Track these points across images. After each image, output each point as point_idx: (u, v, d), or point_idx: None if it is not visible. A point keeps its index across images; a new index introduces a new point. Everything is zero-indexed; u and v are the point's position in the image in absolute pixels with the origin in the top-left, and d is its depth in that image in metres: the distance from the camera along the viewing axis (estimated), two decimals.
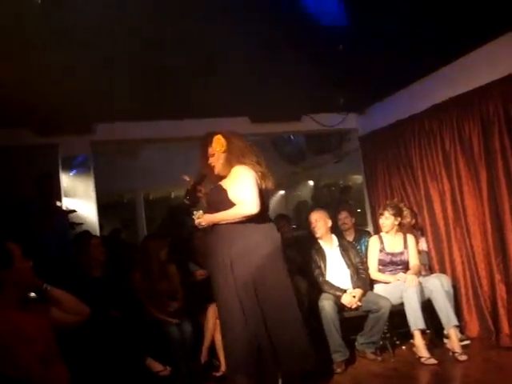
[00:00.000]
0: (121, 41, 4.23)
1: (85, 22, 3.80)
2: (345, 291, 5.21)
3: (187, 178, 4.39)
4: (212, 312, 5.17)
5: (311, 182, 12.52)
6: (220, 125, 6.84)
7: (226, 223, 3.94)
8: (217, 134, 4.15)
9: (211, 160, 4.14)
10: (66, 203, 6.63)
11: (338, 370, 4.91)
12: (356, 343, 5.33)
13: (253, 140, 8.89)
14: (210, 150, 4.14)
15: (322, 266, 5.41)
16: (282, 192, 12.22)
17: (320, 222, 5.52)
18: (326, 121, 7.13)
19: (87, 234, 5.72)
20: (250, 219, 3.89)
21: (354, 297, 5.18)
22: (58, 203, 6.61)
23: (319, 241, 5.53)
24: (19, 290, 2.74)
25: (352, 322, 5.30)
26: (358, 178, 10.36)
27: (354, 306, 5.17)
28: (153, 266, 5.35)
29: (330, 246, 5.54)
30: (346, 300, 5.17)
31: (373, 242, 5.75)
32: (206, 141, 4.18)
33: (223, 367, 4.98)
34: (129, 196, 11.46)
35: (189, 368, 4.94)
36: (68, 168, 6.73)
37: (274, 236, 4.09)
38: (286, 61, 5.02)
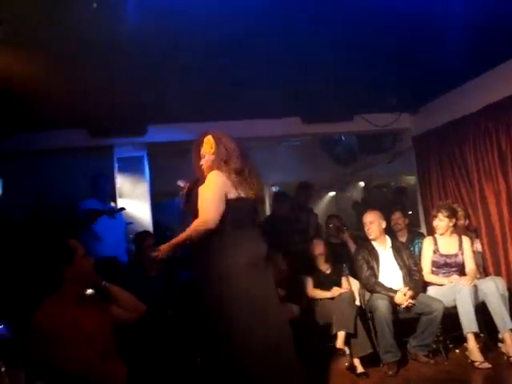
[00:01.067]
0: (173, 43, 4.30)
1: (137, 24, 3.88)
2: (397, 292, 5.17)
3: (181, 184, 4.34)
4: None
5: (362, 183, 12.41)
6: (271, 125, 6.91)
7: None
8: (208, 134, 3.99)
9: (202, 161, 3.96)
10: (121, 204, 6.76)
11: (390, 372, 4.88)
12: (408, 346, 5.29)
13: (302, 141, 9.08)
14: (202, 152, 3.98)
15: (375, 266, 5.38)
16: (332, 193, 12.15)
17: (374, 223, 5.49)
18: (379, 121, 7.06)
19: (145, 233, 5.77)
20: (222, 230, 3.66)
21: (405, 295, 5.13)
22: (113, 204, 6.76)
23: (373, 242, 5.49)
24: (79, 286, 2.83)
25: (404, 324, 5.26)
26: (411, 179, 10.21)
27: (404, 305, 5.12)
28: None
29: (384, 247, 5.49)
30: (399, 299, 5.12)
31: (427, 244, 5.67)
32: (198, 142, 4.03)
33: None
34: None
35: None
36: (123, 169, 6.87)
37: (252, 247, 3.77)
38: (338, 60, 5.00)
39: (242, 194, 3.75)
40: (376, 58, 5.02)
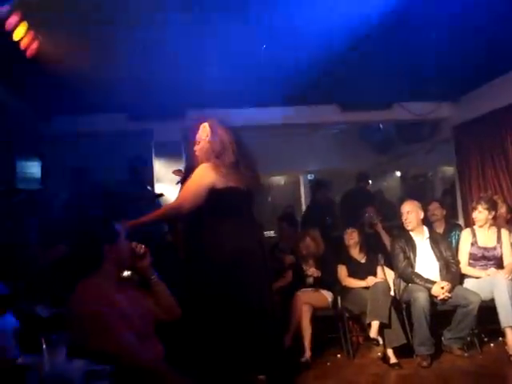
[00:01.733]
0: (211, 32, 4.31)
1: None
2: (434, 283, 5.12)
3: (176, 174, 4.22)
4: (298, 298, 5.25)
5: (398, 173, 12.27)
6: (309, 112, 6.88)
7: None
8: (204, 120, 3.94)
9: (196, 148, 3.91)
10: (158, 189, 6.81)
11: (424, 364, 4.84)
12: (443, 338, 5.23)
13: (339, 129, 9.02)
14: (197, 137, 3.91)
15: (412, 257, 5.33)
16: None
17: (412, 213, 5.43)
18: (418, 109, 6.97)
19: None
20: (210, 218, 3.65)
21: (443, 288, 5.07)
22: (150, 188, 6.81)
23: (410, 232, 5.44)
24: (118, 267, 2.88)
25: (439, 316, 5.20)
26: (448, 170, 10.05)
27: (441, 297, 5.07)
28: None
29: (421, 238, 5.43)
30: (436, 291, 5.07)
31: (465, 235, 5.59)
32: (194, 127, 3.97)
33: (307, 353, 5.05)
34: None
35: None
36: (160, 154, 6.91)
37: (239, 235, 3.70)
38: (377, 47, 4.94)
39: (232, 184, 3.68)
40: (417, 45, 4.94)
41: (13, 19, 3.98)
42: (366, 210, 6.65)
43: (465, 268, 5.46)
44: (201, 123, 3.92)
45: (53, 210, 5.42)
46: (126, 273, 3.21)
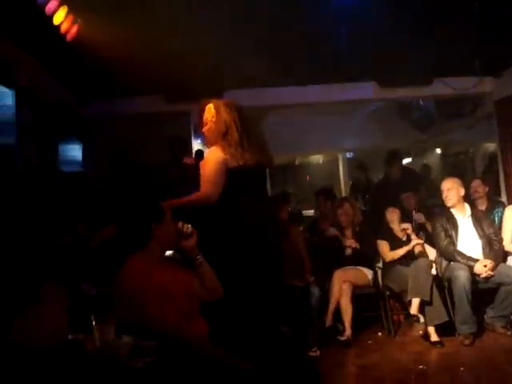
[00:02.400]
0: (250, 7, 4.29)
1: None
2: (477, 261, 5.05)
3: (188, 161, 4.14)
4: (338, 277, 5.26)
5: (439, 150, 12.08)
6: (346, 90, 6.81)
7: None
8: (209, 102, 3.87)
9: (204, 129, 3.89)
10: None
11: (466, 342, 4.81)
12: (485, 316, 5.18)
13: (378, 106, 8.90)
14: (204, 119, 3.88)
15: (453, 235, 5.26)
16: (407, 160, 11.91)
17: (452, 190, 5.35)
18: (459, 84, 6.80)
19: None
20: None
21: (485, 266, 5.01)
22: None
23: (451, 209, 5.36)
24: (164, 246, 2.94)
25: (482, 294, 5.15)
26: (490, 146, 9.85)
27: (484, 275, 5.00)
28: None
29: (463, 215, 5.36)
30: (479, 269, 5.01)
31: (508, 213, 5.48)
32: (200, 109, 3.92)
33: (348, 331, 5.06)
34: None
35: (314, 331, 5.04)
36: (199, 135, 6.93)
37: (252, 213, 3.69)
38: (416, 21, 4.85)
39: (241, 163, 3.66)
40: (458, 17, 4.82)
41: (52, 4, 4.05)
42: (404, 196, 6.53)
43: (508, 245, 5.37)
44: (205, 105, 3.89)
45: (95, 192, 5.50)
46: (168, 252, 3.25)
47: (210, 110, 3.85)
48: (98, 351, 2.14)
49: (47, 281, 2.05)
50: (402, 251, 5.46)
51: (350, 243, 5.54)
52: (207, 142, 3.93)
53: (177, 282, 2.81)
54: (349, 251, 5.55)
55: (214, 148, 3.73)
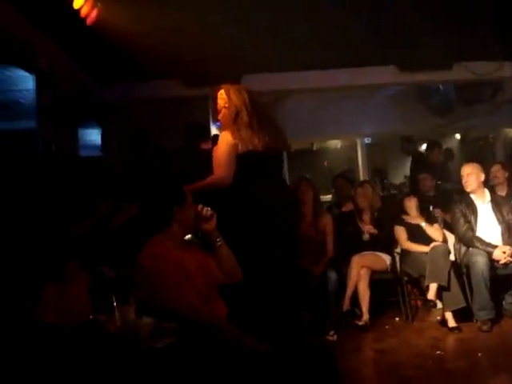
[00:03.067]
0: None
1: None
2: (496, 247, 5.02)
3: (205, 147, 4.08)
4: (356, 262, 5.26)
5: (458, 136, 11.97)
6: (366, 74, 6.77)
7: None
8: (221, 88, 3.90)
9: (219, 116, 3.93)
10: None
11: (484, 328, 4.79)
12: (504, 302, 5.16)
13: (397, 90, 8.83)
14: (218, 106, 3.92)
15: (473, 221, 5.23)
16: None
17: (472, 175, 5.30)
18: (480, 69, 6.73)
19: None
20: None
21: (504, 252, 4.98)
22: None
23: (471, 195, 5.33)
24: (185, 229, 2.96)
25: (501, 280, 5.12)
26: (510, 132, 9.75)
27: (503, 261, 4.98)
28: (305, 210, 5.43)
29: (482, 201, 5.31)
30: (498, 255, 4.98)
31: None
32: (214, 97, 3.99)
33: (365, 316, 5.07)
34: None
35: (331, 316, 5.06)
36: (217, 120, 6.93)
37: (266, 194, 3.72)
38: (436, 5, 4.79)
39: (251, 147, 3.68)
40: (478, 2, 4.76)
41: None
42: (421, 177, 6.52)
43: None
44: (218, 92, 3.92)
45: (115, 176, 5.54)
46: (187, 236, 3.28)
47: (222, 96, 3.88)
48: (119, 332, 2.17)
49: (70, 261, 2.08)
50: (418, 248, 5.41)
51: (368, 229, 5.53)
52: (222, 128, 3.99)
53: (197, 265, 2.84)
54: (366, 236, 5.54)
55: (224, 133, 3.79)
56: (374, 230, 5.51)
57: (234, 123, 3.75)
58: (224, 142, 3.73)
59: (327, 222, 5.57)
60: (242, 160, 3.68)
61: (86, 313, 2.06)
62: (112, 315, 2.22)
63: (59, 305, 1.96)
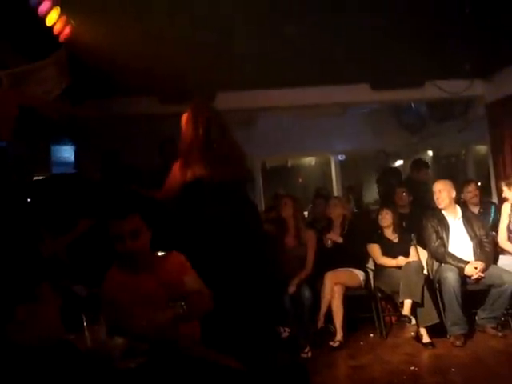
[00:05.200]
0: (240, 11, 4.29)
1: None
2: (468, 263, 5.08)
3: None
4: (329, 278, 5.27)
5: (430, 152, 12.12)
6: (339, 92, 6.82)
7: None
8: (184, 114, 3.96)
9: (179, 143, 4.03)
10: None
11: (457, 343, 4.84)
12: (476, 318, 5.22)
13: (370, 108, 8.92)
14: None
15: (444, 237, 5.29)
16: (399, 162, 11.95)
17: (444, 192, 5.38)
18: (450, 87, 6.84)
19: None
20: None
21: (476, 268, 5.04)
22: None
23: (442, 211, 5.39)
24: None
25: (473, 295, 5.18)
26: (482, 148, 9.88)
27: (474, 277, 5.03)
28: (287, 225, 5.51)
29: (454, 217, 5.39)
30: (469, 271, 5.04)
31: (505, 209, 5.51)
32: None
33: (339, 334, 5.07)
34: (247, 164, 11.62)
35: (306, 332, 5.05)
36: None
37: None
38: (408, 24, 4.86)
39: (199, 177, 3.73)
40: (449, 20, 4.84)
41: (45, 5, 4.03)
42: (397, 190, 6.59)
43: (504, 242, 5.41)
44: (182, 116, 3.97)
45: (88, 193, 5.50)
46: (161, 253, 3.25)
47: (182, 123, 3.92)
48: (90, 352, 2.14)
49: (42, 281, 2.05)
50: (393, 262, 5.46)
51: (331, 236, 5.58)
52: (178, 154, 3.96)
53: (156, 287, 2.79)
54: (329, 243, 5.57)
55: (178, 161, 3.83)
56: (337, 238, 5.55)
57: (186, 155, 3.79)
58: (174, 170, 3.81)
59: (309, 237, 5.59)
60: (189, 188, 3.73)
61: (57, 333, 2.03)
62: (82, 335, 2.19)
63: (30, 325, 1.92)
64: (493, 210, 5.95)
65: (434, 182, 5.81)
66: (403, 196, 6.47)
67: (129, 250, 2.78)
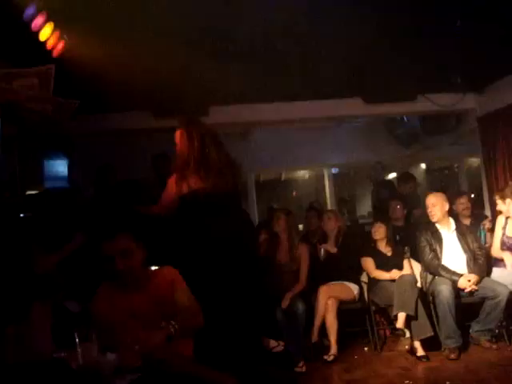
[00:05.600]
0: (234, 26, 4.32)
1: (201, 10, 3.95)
2: (461, 275, 5.09)
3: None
4: (323, 292, 5.26)
5: (423, 165, 12.17)
6: (332, 106, 6.86)
7: None
8: (178, 130, 4.07)
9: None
10: None
11: (452, 356, 4.83)
12: (470, 330, 5.20)
13: (363, 122, 8.96)
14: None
15: (438, 249, 5.30)
16: (393, 175, 11.98)
17: (437, 206, 5.40)
18: (443, 101, 6.89)
19: None
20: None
21: (469, 281, 5.04)
22: None
23: (436, 224, 5.40)
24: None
25: (467, 308, 5.18)
26: (474, 161, 9.94)
27: (468, 290, 5.04)
28: (280, 239, 5.52)
29: (448, 230, 5.41)
30: (463, 284, 5.05)
31: (499, 222, 5.51)
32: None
33: (333, 348, 5.06)
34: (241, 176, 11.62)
35: (300, 347, 5.03)
36: None
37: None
38: (400, 38, 4.91)
39: (194, 190, 3.82)
40: (441, 34, 4.89)
41: (39, 20, 4.04)
42: (391, 203, 6.60)
43: (497, 251, 5.41)
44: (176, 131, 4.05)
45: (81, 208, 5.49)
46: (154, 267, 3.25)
47: (176, 139, 4.03)
48: (82, 369, 2.13)
49: (34, 300, 2.04)
50: (387, 276, 5.45)
51: (325, 246, 5.58)
52: (173, 168, 4.08)
53: (148, 306, 2.77)
54: (322, 252, 5.57)
55: (173, 176, 3.92)
56: (330, 247, 5.55)
57: (182, 169, 3.87)
58: (170, 184, 3.89)
59: (302, 251, 5.58)
60: (185, 200, 3.81)
61: (48, 351, 2.02)
62: (74, 351, 2.17)
63: (21, 344, 1.91)
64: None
65: (426, 194, 5.82)
66: (397, 209, 6.47)
67: (119, 270, 2.77)
